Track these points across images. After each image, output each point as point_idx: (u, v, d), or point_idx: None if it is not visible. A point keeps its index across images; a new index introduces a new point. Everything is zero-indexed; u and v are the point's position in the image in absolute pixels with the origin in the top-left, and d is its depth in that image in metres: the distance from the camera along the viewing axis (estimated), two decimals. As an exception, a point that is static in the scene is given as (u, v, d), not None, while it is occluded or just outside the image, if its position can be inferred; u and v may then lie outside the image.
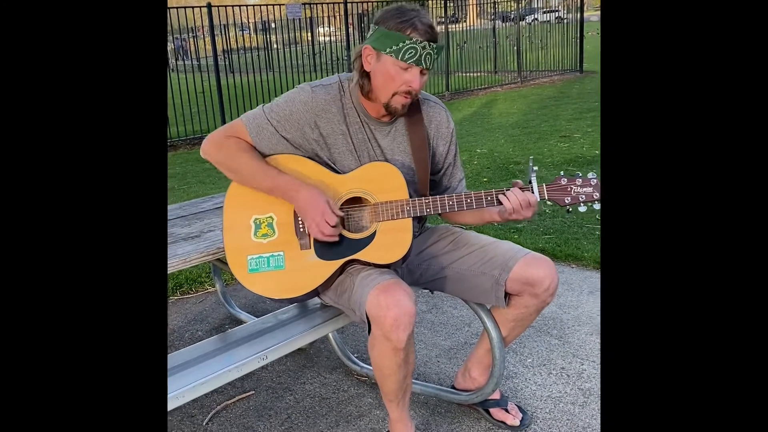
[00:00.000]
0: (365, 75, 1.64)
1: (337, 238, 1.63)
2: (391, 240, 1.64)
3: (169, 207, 2.26)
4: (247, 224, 1.68)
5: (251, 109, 1.76)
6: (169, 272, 1.70)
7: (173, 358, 1.72)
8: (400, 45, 1.55)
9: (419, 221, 1.89)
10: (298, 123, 1.67)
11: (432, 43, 1.56)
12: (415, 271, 1.85)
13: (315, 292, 1.71)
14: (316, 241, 1.66)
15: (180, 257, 1.70)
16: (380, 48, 1.58)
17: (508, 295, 1.74)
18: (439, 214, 1.74)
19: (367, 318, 1.54)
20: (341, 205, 1.68)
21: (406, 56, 1.55)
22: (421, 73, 1.60)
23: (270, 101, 1.73)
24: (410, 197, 1.66)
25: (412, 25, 1.54)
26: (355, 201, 1.70)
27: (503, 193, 1.64)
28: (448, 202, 1.66)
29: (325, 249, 1.66)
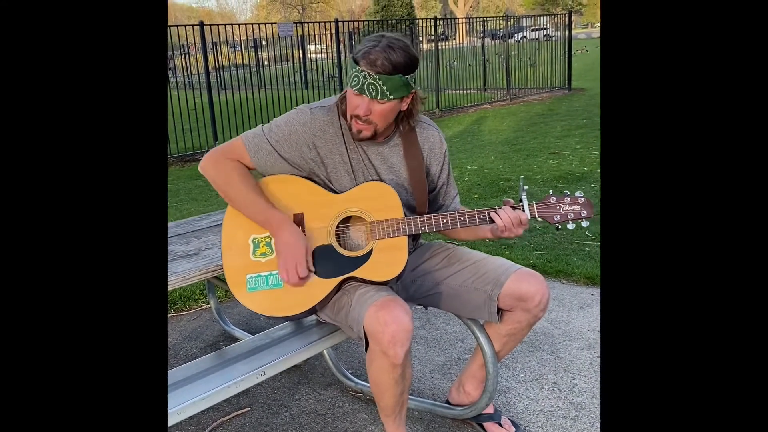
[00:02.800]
0: (345, 96, 1.72)
1: (300, 285, 1.68)
2: (388, 258, 1.69)
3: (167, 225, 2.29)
4: (245, 243, 1.72)
5: (242, 125, 1.82)
6: (168, 290, 1.73)
7: (172, 375, 1.74)
8: (352, 72, 1.63)
9: (414, 238, 1.94)
10: (297, 143, 1.72)
11: (377, 75, 1.58)
12: (409, 287, 1.89)
13: (313, 310, 1.75)
14: (314, 259, 1.69)
15: (179, 275, 1.73)
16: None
17: (500, 311, 1.78)
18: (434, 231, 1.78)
19: (365, 334, 1.58)
20: (338, 223, 1.72)
21: (352, 83, 1.62)
22: (378, 102, 1.62)
23: (261, 117, 1.79)
24: (406, 216, 1.70)
25: (363, 55, 1.61)
26: (352, 219, 1.74)
27: (495, 212, 1.69)
28: (442, 221, 1.71)
29: (323, 267, 1.69)
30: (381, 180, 1.77)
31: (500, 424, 1.97)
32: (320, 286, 1.69)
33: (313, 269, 1.68)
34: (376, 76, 1.59)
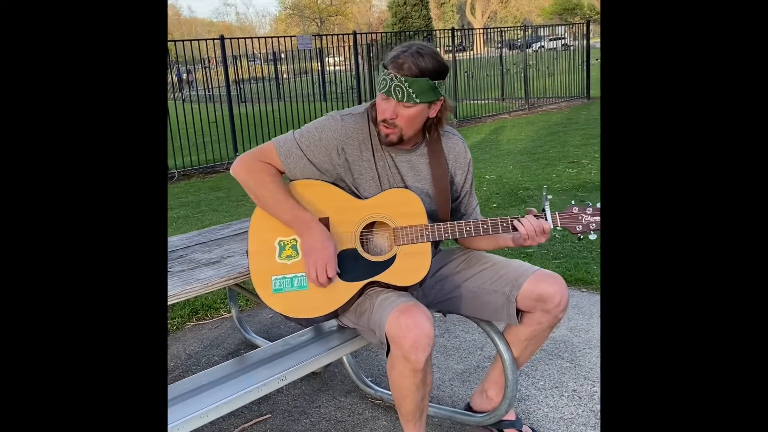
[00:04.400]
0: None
1: (325, 286, 1.71)
2: (411, 263, 1.71)
3: (189, 234, 2.33)
4: (271, 246, 1.75)
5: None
6: (190, 297, 1.76)
7: (194, 380, 1.77)
8: (381, 77, 1.68)
9: (434, 245, 1.95)
10: (326, 149, 1.75)
11: (403, 77, 1.63)
12: (429, 292, 1.90)
13: (335, 314, 1.77)
14: (339, 262, 1.72)
15: (202, 282, 1.76)
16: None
17: (520, 313, 1.79)
18: (456, 239, 1.80)
19: (386, 339, 1.60)
20: (362, 228, 1.75)
21: (381, 87, 1.68)
22: (404, 105, 1.66)
23: (280, 129, 1.83)
24: (428, 223, 1.72)
25: (391, 60, 1.66)
26: (376, 225, 1.77)
27: (518, 220, 1.70)
28: (466, 228, 1.73)
29: (347, 271, 1.72)
30: (406, 187, 1.79)
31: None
32: (344, 290, 1.72)
33: (339, 271, 1.70)
34: (403, 79, 1.63)
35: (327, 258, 1.68)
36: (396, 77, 1.63)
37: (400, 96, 1.64)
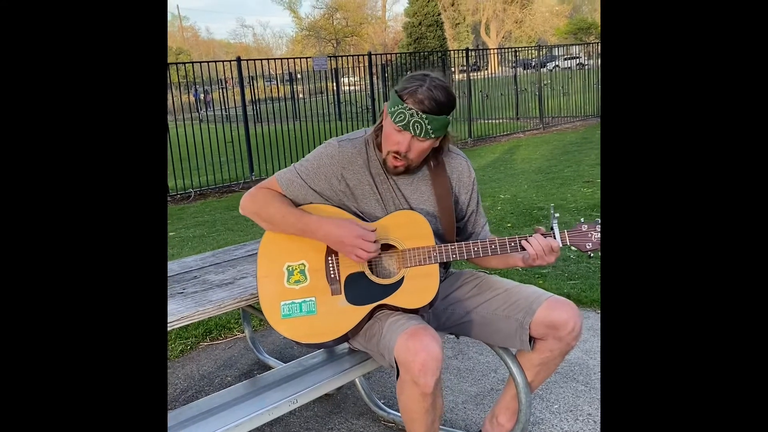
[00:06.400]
0: (381, 129, 1.75)
1: (377, 253, 1.69)
2: (419, 285, 1.70)
3: (203, 255, 2.35)
4: (280, 271, 1.76)
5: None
6: (203, 318, 1.77)
7: (207, 402, 1.77)
8: (396, 108, 1.66)
9: (444, 267, 1.95)
10: (326, 176, 1.77)
11: (424, 114, 1.62)
12: (440, 316, 1.90)
13: (345, 337, 1.77)
14: (346, 286, 1.72)
15: (214, 303, 1.77)
16: (388, 107, 1.69)
17: (532, 339, 1.77)
18: (465, 259, 1.79)
19: (396, 362, 1.59)
20: None
21: (396, 119, 1.65)
22: (418, 139, 1.66)
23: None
24: (436, 244, 1.72)
25: (410, 93, 1.64)
26: (383, 248, 1.77)
27: (526, 240, 1.70)
28: (473, 248, 1.72)
29: (355, 294, 1.72)
30: (411, 208, 1.79)
31: (534, 456, 1.94)
32: (353, 313, 1.72)
33: (374, 228, 1.69)
34: (424, 115, 1.63)
35: (358, 233, 1.67)
36: (417, 113, 1.63)
37: (418, 131, 1.65)
